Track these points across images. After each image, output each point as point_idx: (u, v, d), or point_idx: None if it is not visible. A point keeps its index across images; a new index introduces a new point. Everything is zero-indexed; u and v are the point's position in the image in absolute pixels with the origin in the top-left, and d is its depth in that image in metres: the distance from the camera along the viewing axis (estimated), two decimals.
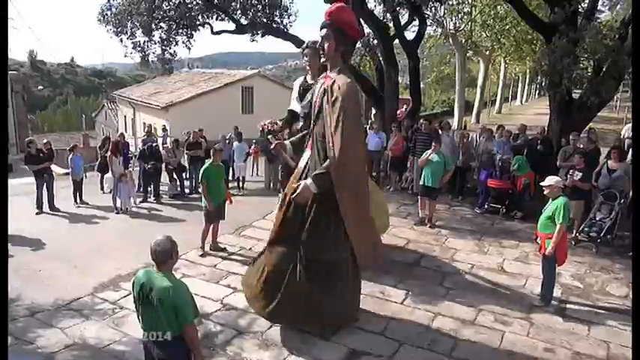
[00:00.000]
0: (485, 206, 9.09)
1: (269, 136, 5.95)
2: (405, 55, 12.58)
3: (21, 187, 10.48)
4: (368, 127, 11.06)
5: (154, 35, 11.56)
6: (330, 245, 4.52)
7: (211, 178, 6.91)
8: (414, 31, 12.81)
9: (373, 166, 10.79)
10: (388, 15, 11.25)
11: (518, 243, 7.49)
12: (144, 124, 20.00)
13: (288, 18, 11.97)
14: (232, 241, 7.57)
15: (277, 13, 11.80)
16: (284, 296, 4.61)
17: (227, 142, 11.37)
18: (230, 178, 11.37)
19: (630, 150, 9.00)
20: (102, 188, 10.88)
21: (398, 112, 12.83)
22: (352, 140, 4.25)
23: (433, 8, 13.47)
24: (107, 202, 9.63)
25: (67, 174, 10.89)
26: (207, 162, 7.16)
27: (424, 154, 8.23)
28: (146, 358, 3.42)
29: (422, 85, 18.64)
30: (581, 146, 8.53)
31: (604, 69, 9.07)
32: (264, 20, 11.77)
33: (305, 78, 5.56)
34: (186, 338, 3.22)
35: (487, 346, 4.72)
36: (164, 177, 10.74)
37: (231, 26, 12.14)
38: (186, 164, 11.00)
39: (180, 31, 11.65)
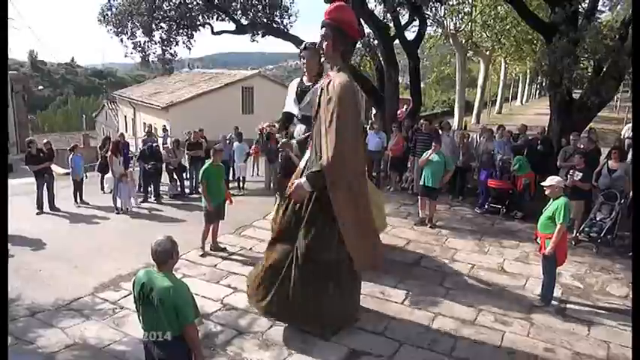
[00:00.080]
0: (486, 206, 9.09)
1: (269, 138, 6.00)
2: (406, 55, 12.57)
3: (21, 187, 10.49)
4: (368, 127, 11.06)
5: (154, 35, 11.58)
6: (326, 245, 4.49)
7: (211, 178, 6.91)
8: (414, 32, 12.84)
9: (373, 166, 10.79)
10: (388, 15, 11.24)
11: (518, 243, 7.49)
12: (144, 124, 20.03)
13: (289, 18, 12.00)
14: (232, 241, 7.57)
15: (278, 14, 11.82)
16: (278, 293, 4.62)
17: (227, 142, 11.37)
18: (230, 178, 11.38)
19: (630, 150, 8.99)
20: (102, 188, 10.88)
21: (398, 112, 12.81)
22: (347, 139, 4.16)
23: (433, 8, 13.44)
24: (107, 202, 9.63)
25: (68, 174, 10.90)
26: (208, 162, 7.16)
27: (424, 154, 8.23)
28: (146, 358, 3.42)
29: (422, 86, 18.61)
30: (582, 146, 8.51)
31: (604, 69, 9.08)
32: (265, 20, 11.78)
33: (302, 79, 5.48)
34: (187, 338, 3.22)
35: (487, 346, 4.72)
36: (164, 177, 10.74)
37: (232, 26, 12.15)
38: (187, 164, 11.00)
39: (181, 31, 11.66)
